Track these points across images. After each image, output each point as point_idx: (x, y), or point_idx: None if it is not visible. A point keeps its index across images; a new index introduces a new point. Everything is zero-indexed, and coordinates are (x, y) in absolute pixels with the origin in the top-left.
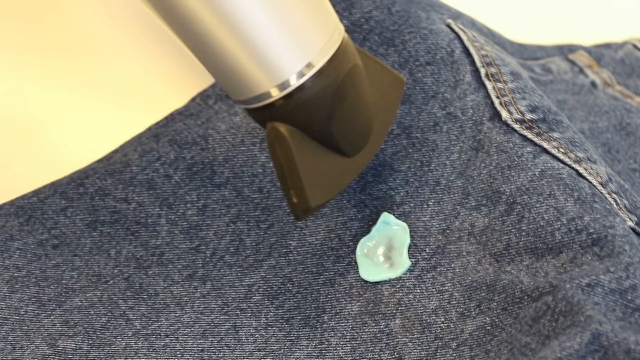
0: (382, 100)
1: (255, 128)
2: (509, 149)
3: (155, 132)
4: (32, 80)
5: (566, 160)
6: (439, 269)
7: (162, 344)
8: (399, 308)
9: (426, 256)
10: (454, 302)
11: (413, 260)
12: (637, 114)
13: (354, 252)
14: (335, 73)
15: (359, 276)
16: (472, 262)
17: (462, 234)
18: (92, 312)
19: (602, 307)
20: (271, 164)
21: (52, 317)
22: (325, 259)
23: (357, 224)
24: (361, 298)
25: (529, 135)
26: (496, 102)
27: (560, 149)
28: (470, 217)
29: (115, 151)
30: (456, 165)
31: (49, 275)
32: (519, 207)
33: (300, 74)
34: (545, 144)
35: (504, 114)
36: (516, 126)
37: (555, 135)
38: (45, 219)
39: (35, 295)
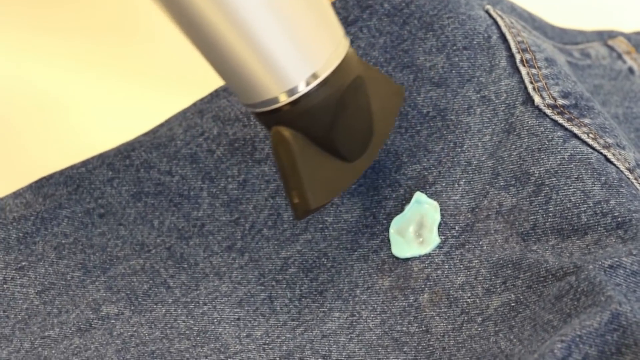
0: (382, 109)
1: None
2: (540, 132)
3: (200, 108)
4: (70, 60)
5: (595, 145)
6: (467, 246)
7: (200, 311)
8: (428, 283)
9: (455, 234)
10: (481, 279)
11: (442, 237)
12: None
13: (387, 229)
14: (339, 83)
15: (391, 253)
16: (499, 241)
17: (490, 213)
18: (135, 280)
19: (623, 288)
20: None
21: (96, 283)
22: (359, 236)
23: (391, 202)
24: (392, 273)
25: (560, 120)
26: (529, 87)
27: (590, 135)
28: (498, 197)
29: (161, 125)
30: (488, 146)
31: (95, 243)
32: (547, 188)
33: (306, 83)
34: (575, 129)
35: (537, 99)
36: (548, 111)
37: (586, 121)
38: (92, 189)
39: (81, 261)
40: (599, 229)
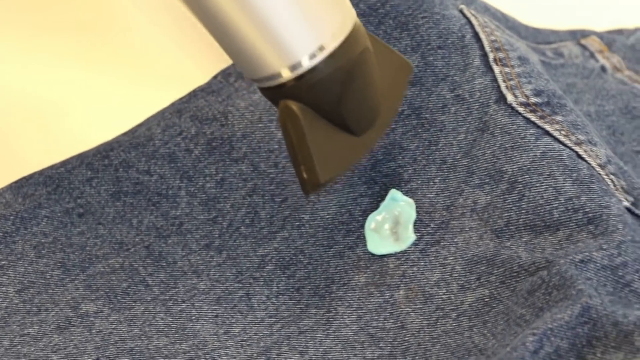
0: (390, 84)
1: (272, 106)
2: (513, 130)
3: (178, 108)
4: (49, 60)
5: (567, 142)
6: (442, 244)
7: (178, 309)
8: (403, 280)
9: (431, 231)
10: (456, 275)
11: (418, 234)
12: None
13: (363, 226)
14: (347, 56)
15: (367, 249)
16: (473, 238)
17: (465, 211)
18: (114, 278)
19: (594, 282)
20: None
21: (75, 281)
22: (335, 233)
23: (366, 199)
24: (368, 270)
25: (533, 118)
26: (502, 85)
27: (562, 132)
28: (473, 195)
29: (140, 125)
30: (462, 145)
31: (74, 242)
32: (520, 186)
33: (312, 56)
34: (547, 127)
35: (510, 97)
36: (520, 109)
37: (558, 118)
38: (72, 189)
39: (61, 260)
40: (571, 224)
